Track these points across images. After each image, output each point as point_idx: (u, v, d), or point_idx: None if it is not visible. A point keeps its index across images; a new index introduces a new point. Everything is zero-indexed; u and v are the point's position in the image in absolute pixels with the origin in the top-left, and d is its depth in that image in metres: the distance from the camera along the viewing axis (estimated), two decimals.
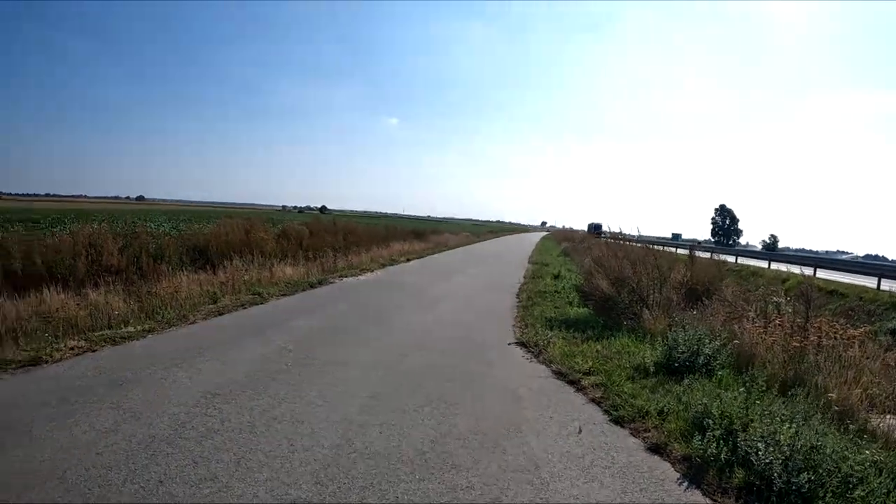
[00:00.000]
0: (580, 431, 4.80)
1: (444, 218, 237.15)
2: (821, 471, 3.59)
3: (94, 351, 6.35)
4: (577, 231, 52.12)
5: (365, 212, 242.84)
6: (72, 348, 6.28)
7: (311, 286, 12.37)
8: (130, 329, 7.27)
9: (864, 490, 3.54)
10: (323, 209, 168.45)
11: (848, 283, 17.22)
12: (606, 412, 5.29)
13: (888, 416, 4.94)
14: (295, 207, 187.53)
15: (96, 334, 6.92)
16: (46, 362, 5.83)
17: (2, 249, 9.72)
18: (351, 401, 5.19)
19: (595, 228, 64.20)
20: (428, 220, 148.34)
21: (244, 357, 6.43)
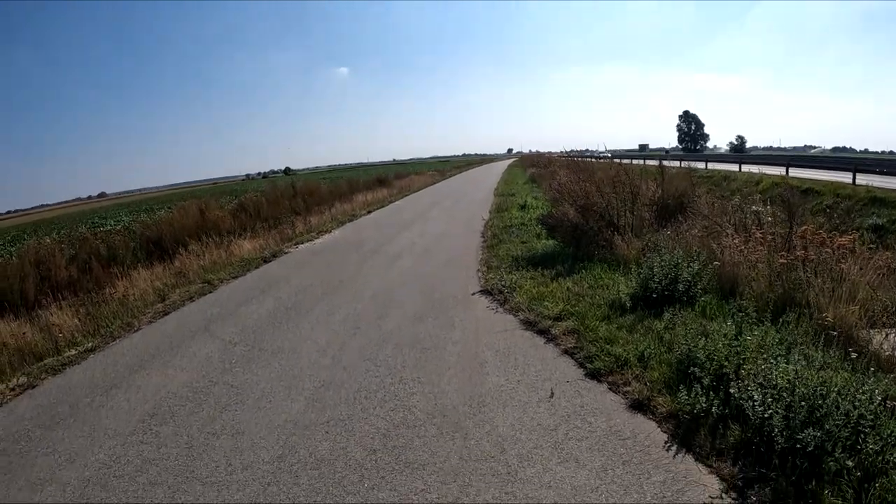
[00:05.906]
0: (552, 395, 4.25)
1: (409, 160, 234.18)
2: (829, 423, 2.85)
3: (34, 387, 5.57)
4: (544, 154, 49.20)
5: (330, 167, 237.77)
6: (13, 389, 5.54)
7: (265, 261, 11.49)
8: (73, 352, 6.52)
9: (875, 440, 2.78)
10: (287, 170, 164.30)
11: (822, 180, 16.59)
12: (581, 365, 4.74)
13: (893, 333, 4.27)
14: (259, 174, 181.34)
15: (39, 364, 6.17)
16: None
17: None
18: (297, 396, 4.67)
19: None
20: (393, 164, 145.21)
21: (185, 363, 5.78)
